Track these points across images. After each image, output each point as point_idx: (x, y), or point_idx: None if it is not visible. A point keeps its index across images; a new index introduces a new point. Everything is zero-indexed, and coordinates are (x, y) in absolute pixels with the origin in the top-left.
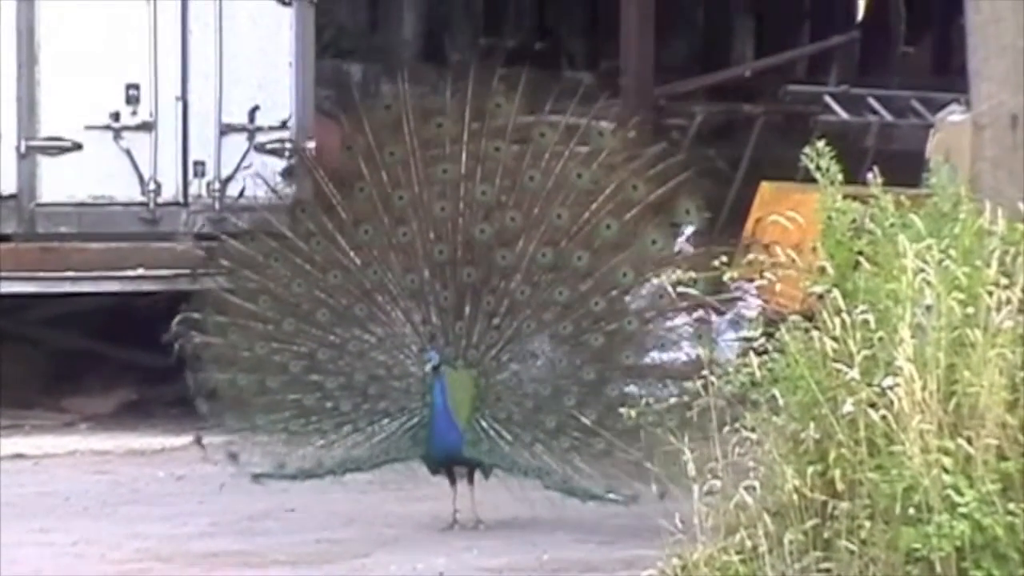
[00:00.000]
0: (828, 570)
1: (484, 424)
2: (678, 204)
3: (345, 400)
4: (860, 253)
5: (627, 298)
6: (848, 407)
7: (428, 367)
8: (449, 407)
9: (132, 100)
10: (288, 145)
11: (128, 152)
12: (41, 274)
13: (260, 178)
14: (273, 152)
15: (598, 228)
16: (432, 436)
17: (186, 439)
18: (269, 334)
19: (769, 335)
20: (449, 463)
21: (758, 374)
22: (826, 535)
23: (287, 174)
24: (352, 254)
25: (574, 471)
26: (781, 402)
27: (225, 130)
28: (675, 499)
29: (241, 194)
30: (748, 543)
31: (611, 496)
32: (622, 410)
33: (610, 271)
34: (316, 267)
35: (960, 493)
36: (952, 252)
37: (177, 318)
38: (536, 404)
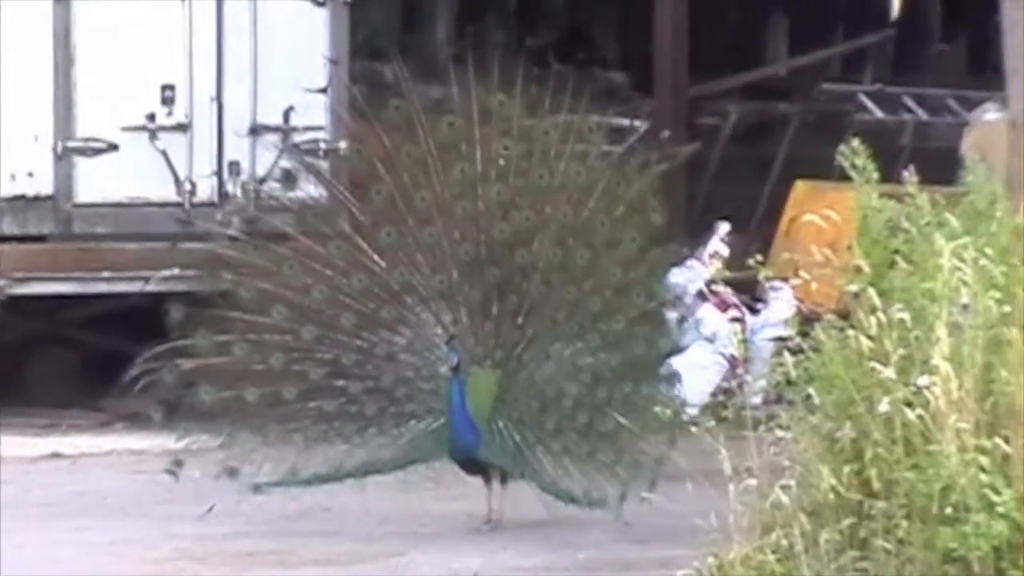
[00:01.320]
0: (865, 570)
1: (500, 424)
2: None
3: (371, 404)
4: (896, 252)
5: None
6: (884, 406)
7: (445, 368)
8: (468, 408)
9: (168, 101)
10: (322, 145)
11: (164, 153)
12: (77, 274)
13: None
14: (308, 152)
15: (594, 226)
16: (451, 437)
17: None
18: (287, 344)
19: (804, 334)
20: (468, 464)
21: (793, 373)
22: (862, 534)
23: (287, 177)
24: (376, 256)
25: (565, 473)
26: (817, 401)
27: (260, 130)
28: (711, 498)
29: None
30: (784, 542)
31: (591, 500)
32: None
33: (604, 270)
34: (338, 271)
35: (997, 492)
36: (988, 250)
37: (142, 357)
38: (541, 405)
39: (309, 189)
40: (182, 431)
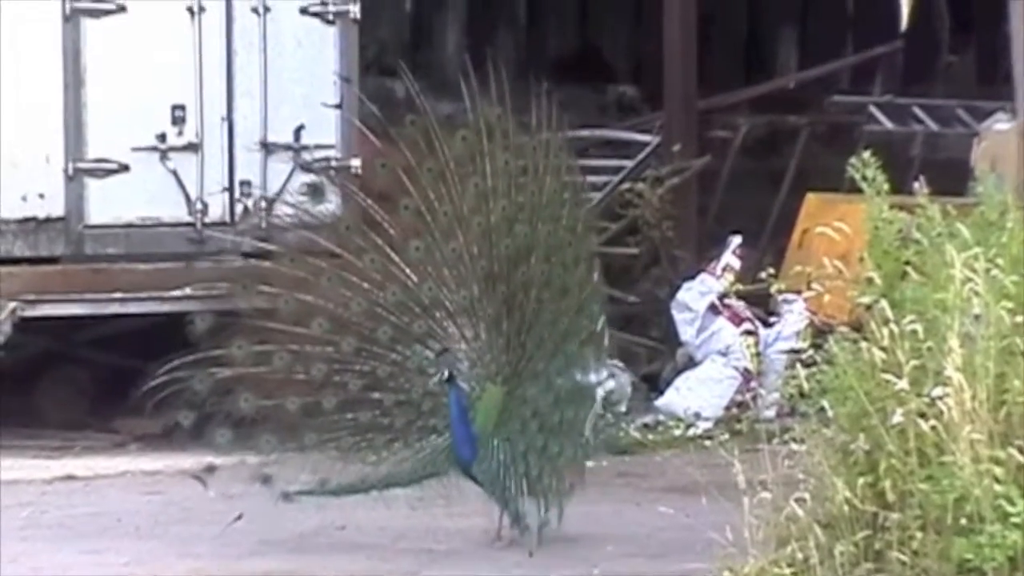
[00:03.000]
0: None
1: (495, 442)
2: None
3: (400, 416)
4: (907, 263)
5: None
6: (898, 417)
7: (435, 379)
8: (475, 423)
9: (178, 121)
10: (334, 163)
11: (175, 173)
12: (90, 295)
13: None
14: (319, 170)
15: (564, 244)
16: (451, 451)
17: (236, 459)
18: (328, 356)
19: (817, 346)
20: (467, 477)
21: (807, 386)
22: (877, 546)
23: (314, 192)
24: (408, 271)
25: (520, 493)
26: (830, 413)
27: (271, 149)
28: (726, 511)
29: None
30: (799, 555)
31: (520, 521)
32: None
33: (571, 289)
34: (375, 284)
35: (1012, 503)
36: (1000, 261)
37: (167, 367)
38: (521, 425)
39: (329, 205)
40: (218, 438)
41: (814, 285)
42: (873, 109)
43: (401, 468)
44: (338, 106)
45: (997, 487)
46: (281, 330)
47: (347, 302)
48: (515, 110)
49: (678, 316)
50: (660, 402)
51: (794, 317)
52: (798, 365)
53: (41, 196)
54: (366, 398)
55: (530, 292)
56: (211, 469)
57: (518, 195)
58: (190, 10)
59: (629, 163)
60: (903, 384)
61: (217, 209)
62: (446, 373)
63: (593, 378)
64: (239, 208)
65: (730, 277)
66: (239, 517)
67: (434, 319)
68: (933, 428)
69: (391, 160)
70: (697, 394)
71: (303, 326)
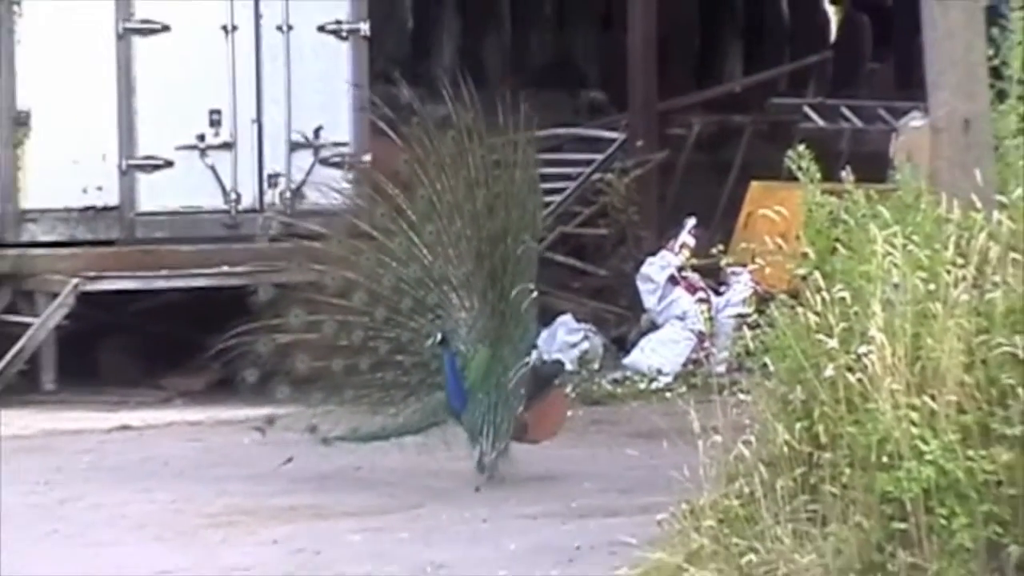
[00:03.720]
0: (815, 511)
1: (480, 396)
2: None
3: (415, 375)
4: (837, 240)
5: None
6: (829, 371)
7: (429, 342)
8: (459, 379)
9: (215, 123)
10: (348, 159)
11: (212, 168)
12: (140, 273)
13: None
14: (335, 165)
15: (529, 226)
16: (446, 402)
17: (266, 411)
18: (365, 324)
19: (761, 311)
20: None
21: (752, 345)
22: (812, 481)
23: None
24: (425, 250)
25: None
26: (772, 368)
27: (294, 147)
28: (684, 453)
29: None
30: (746, 490)
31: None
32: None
33: (531, 267)
34: (400, 263)
35: (926, 443)
36: (915, 238)
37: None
38: (496, 382)
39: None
40: (278, 393)
41: (758, 259)
42: (807, 109)
43: (413, 418)
44: (363, 108)
45: (913, 430)
46: (329, 302)
47: (379, 278)
48: (501, 113)
49: (642, 287)
50: (627, 360)
51: (741, 287)
52: (744, 328)
53: (99, 188)
54: (392, 360)
55: (507, 267)
56: (271, 420)
57: (496, 185)
58: (224, 29)
59: (599, 157)
60: (833, 343)
61: (248, 198)
62: (439, 336)
63: (582, 336)
64: (267, 197)
65: (686, 253)
66: (290, 460)
67: (442, 292)
68: (859, 380)
69: (410, 156)
70: (659, 353)
71: (346, 299)
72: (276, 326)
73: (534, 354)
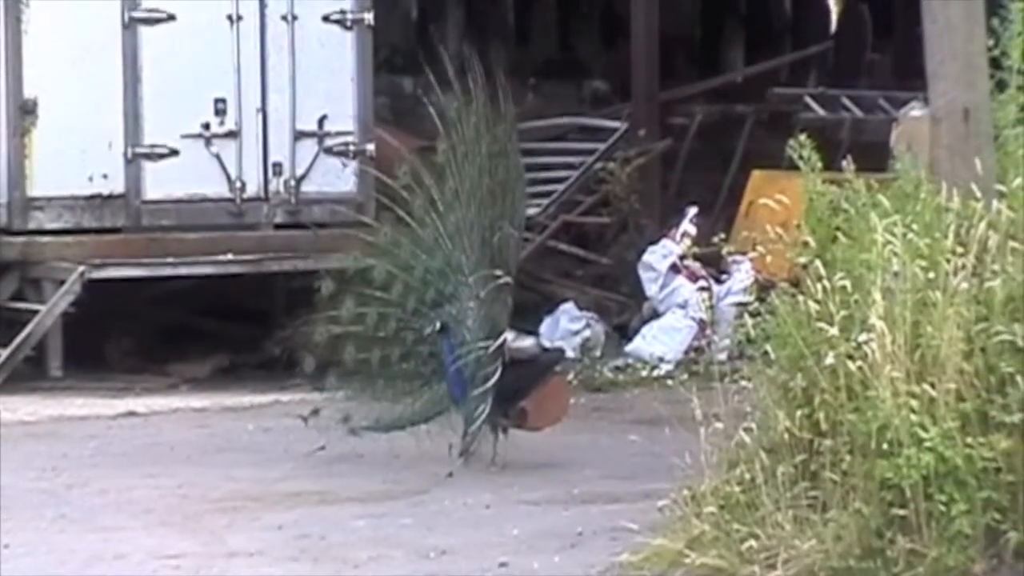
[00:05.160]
0: (815, 497)
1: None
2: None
3: (430, 365)
4: (837, 229)
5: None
6: (830, 359)
7: (429, 329)
8: (457, 367)
9: (220, 112)
10: (352, 148)
11: (217, 156)
12: (146, 260)
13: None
14: (339, 154)
15: (520, 213)
16: (447, 389)
17: (271, 397)
18: (398, 316)
19: (762, 299)
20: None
21: (753, 333)
22: (813, 468)
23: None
24: (447, 240)
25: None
26: (773, 356)
27: (298, 136)
28: (685, 440)
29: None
30: (747, 476)
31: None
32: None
33: (517, 256)
34: (428, 253)
35: (925, 430)
36: (915, 226)
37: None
38: (493, 368)
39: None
40: (330, 383)
41: (759, 248)
42: (808, 99)
43: (423, 407)
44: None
45: (913, 417)
46: (373, 294)
47: (412, 269)
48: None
49: (644, 275)
50: (629, 348)
51: (742, 275)
52: (745, 315)
53: (105, 176)
54: (415, 351)
55: (504, 254)
56: (316, 412)
57: (497, 173)
58: (229, 18)
59: (602, 146)
60: (834, 331)
61: (253, 187)
62: (438, 324)
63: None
64: (272, 186)
65: (688, 242)
66: (322, 447)
67: (457, 281)
68: (859, 368)
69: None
70: (660, 341)
71: (388, 291)
72: (333, 317)
73: (529, 341)
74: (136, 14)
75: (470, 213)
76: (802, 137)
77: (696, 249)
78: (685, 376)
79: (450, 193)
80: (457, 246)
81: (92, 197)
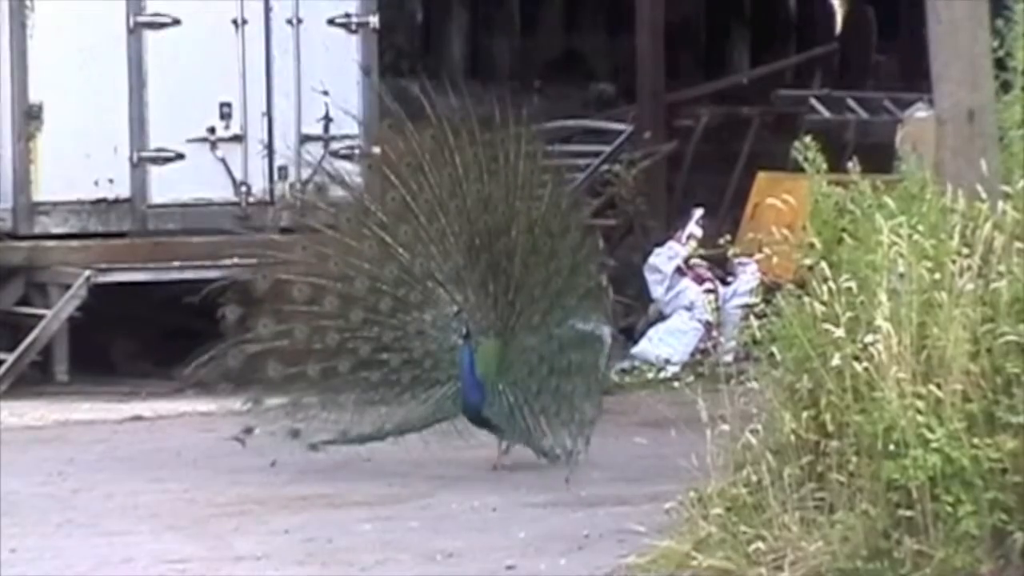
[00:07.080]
0: (822, 499)
1: (501, 387)
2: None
3: (406, 373)
4: (843, 230)
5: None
6: (836, 360)
7: (454, 337)
8: (475, 372)
9: (225, 116)
10: (357, 151)
11: (223, 160)
12: (152, 264)
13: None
14: (344, 157)
15: (549, 216)
16: (462, 396)
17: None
18: (339, 327)
19: (768, 301)
20: (476, 420)
21: (759, 334)
22: (819, 469)
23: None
24: (401, 250)
25: (539, 430)
26: (779, 358)
27: (304, 139)
28: (692, 442)
29: None
30: (753, 477)
31: (551, 454)
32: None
33: (561, 254)
34: (373, 263)
35: (932, 431)
36: (920, 228)
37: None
38: (529, 369)
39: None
40: (252, 399)
41: (764, 249)
42: (813, 101)
43: (413, 416)
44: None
45: (919, 418)
46: (296, 310)
47: (351, 280)
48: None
49: (650, 277)
50: (635, 350)
51: (748, 277)
52: (751, 317)
53: (111, 181)
54: (376, 360)
55: (514, 259)
56: (249, 431)
57: (491, 180)
58: (235, 22)
59: (607, 148)
60: (840, 332)
61: (259, 191)
62: (464, 329)
63: (593, 326)
64: (277, 190)
65: (694, 244)
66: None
67: (426, 288)
68: (865, 369)
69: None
70: (666, 343)
71: (317, 304)
72: (247, 339)
73: (607, 329)
74: (141, 18)
75: (439, 222)
76: (807, 139)
77: (702, 251)
78: (691, 378)
79: (396, 205)
80: (418, 254)
81: (98, 201)
